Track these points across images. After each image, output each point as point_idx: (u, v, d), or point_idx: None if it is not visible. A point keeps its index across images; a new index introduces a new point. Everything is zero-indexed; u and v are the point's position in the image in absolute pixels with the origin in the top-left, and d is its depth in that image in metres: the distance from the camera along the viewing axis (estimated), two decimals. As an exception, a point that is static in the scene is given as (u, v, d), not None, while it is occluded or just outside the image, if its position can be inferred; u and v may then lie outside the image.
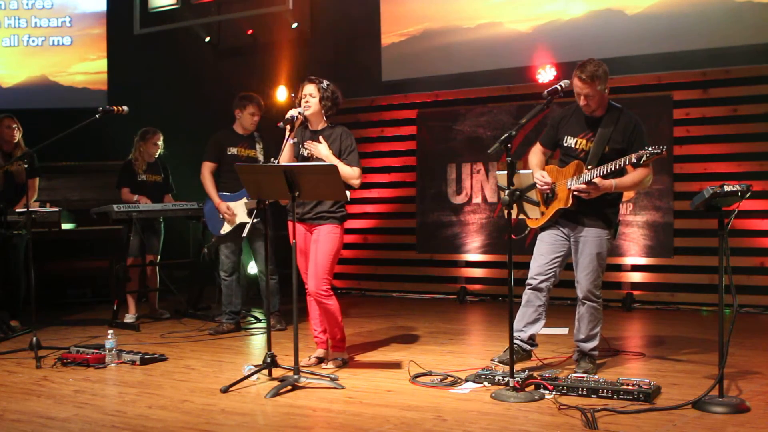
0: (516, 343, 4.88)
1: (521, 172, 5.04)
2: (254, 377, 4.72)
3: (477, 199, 8.44)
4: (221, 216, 6.40)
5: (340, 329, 5.14)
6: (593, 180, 4.56)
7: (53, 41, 10.08)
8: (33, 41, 10.05)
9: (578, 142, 4.76)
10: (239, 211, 6.36)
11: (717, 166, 7.33)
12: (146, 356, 5.30)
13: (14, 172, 6.70)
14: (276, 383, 4.51)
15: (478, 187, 8.44)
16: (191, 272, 7.85)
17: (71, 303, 8.31)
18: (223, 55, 10.21)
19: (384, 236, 9.07)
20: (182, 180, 7.66)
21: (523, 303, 4.96)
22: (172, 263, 8.06)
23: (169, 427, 3.85)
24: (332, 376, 4.68)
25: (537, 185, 4.81)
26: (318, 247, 4.98)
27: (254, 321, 7.01)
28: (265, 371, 4.76)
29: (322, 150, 4.98)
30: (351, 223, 8.79)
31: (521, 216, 5.03)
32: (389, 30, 8.95)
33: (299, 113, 4.99)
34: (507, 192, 4.43)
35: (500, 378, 4.44)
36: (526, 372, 4.47)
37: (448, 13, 8.60)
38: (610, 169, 4.52)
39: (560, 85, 4.59)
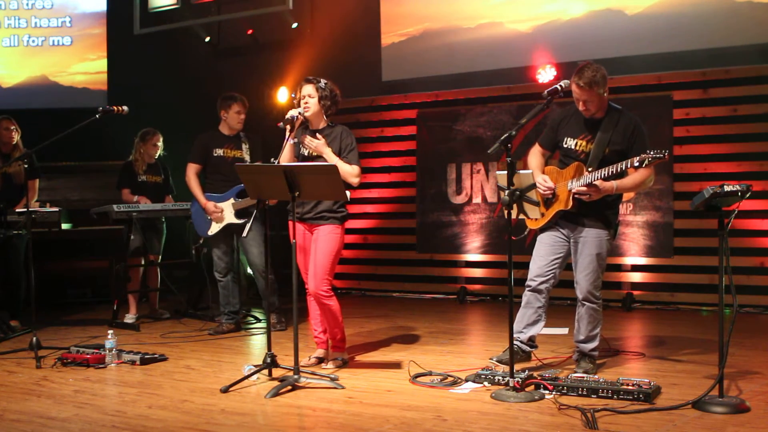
0: (516, 345, 4.88)
1: (521, 172, 5.03)
2: (254, 377, 4.72)
3: (477, 199, 8.44)
4: (208, 217, 6.38)
5: (340, 329, 5.14)
6: (594, 182, 4.56)
7: (53, 41, 10.08)
8: (33, 41, 10.05)
9: (578, 144, 4.76)
10: (226, 212, 6.34)
11: (717, 166, 7.33)
12: (146, 356, 5.30)
13: (13, 173, 6.70)
14: (276, 383, 4.51)
15: (478, 187, 8.44)
16: (191, 272, 7.84)
17: (71, 303, 8.31)
18: (223, 55, 10.21)
19: (384, 236, 9.07)
20: (182, 181, 7.63)
21: (522, 304, 4.96)
22: (172, 263, 8.06)
23: (169, 427, 3.85)
24: (332, 376, 4.68)
25: (539, 191, 4.80)
26: (318, 247, 4.98)
27: (254, 321, 7.01)
28: (265, 371, 4.76)
29: (320, 146, 4.97)
30: (351, 223, 8.78)
31: (521, 216, 5.03)
32: (389, 30, 8.96)
33: (299, 113, 4.99)
34: (507, 192, 4.43)
35: (500, 378, 4.44)
36: (526, 372, 4.47)
37: (448, 13, 8.60)
38: (612, 171, 4.52)
39: (560, 85, 4.59)
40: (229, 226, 6.34)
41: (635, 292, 7.62)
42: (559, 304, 6.99)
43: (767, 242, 7.15)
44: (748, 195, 3.89)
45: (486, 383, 4.48)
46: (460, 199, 8.54)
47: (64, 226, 8.11)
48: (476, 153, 8.34)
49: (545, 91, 4.56)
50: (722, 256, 3.93)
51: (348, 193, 4.75)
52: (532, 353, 5.00)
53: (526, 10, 8.23)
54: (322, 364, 5.12)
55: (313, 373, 4.71)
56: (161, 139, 7.29)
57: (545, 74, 7.99)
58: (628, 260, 7.68)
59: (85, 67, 10.12)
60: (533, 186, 4.91)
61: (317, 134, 5.04)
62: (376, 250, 9.08)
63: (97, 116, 5.55)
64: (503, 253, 7.26)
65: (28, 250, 5.95)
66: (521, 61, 8.16)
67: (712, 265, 5.38)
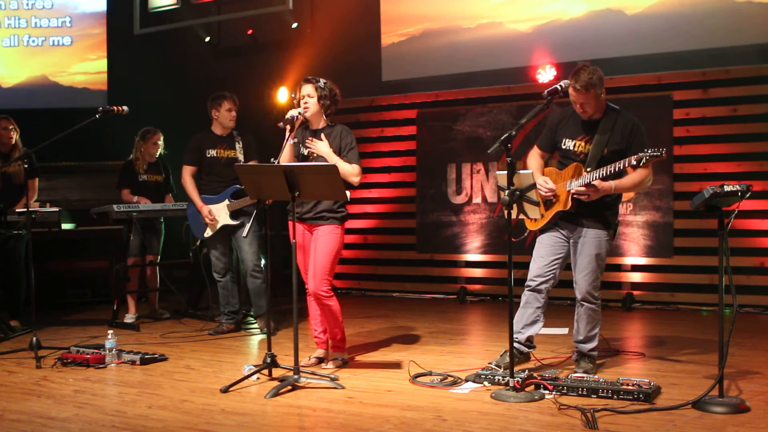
0: (514, 345, 4.87)
1: (521, 172, 5.03)
2: (254, 377, 4.72)
3: (477, 199, 8.44)
4: (203, 219, 6.36)
5: (340, 329, 5.14)
6: (593, 182, 4.56)
7: (53, 41, 10.08)
8: (33, 41, 10.05)
9: (577, 145, 4.75)
10: (221, 213, 6.31)
11: (717, 166, 7.34)
12: (146, 356, 5.30)
13: (12, 173, 6.70)
14: (276, 383, 4.51)
15: (478, 187, 8.44)
16: (191, 272, 7.84)
17: (71, 303, 8.31)
18: (223, 55, 10.21)
19: (384, 236, 9.07)
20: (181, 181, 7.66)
21: (521, 304, 4.95)
22: (172, 263, 8.06)
23: (169, 427, 3.85)
24: (332, 376, 4.68)
25: (540, 193, 4.80)
26: (318, 248, 4.98)
27: (254, 321, 7.00)
28: (265, 371, 4.76)
29: (322, 147, 4.98)
30: (351, 223, 8.78)
31: (521, 216, 5.03)
32: (389, 30, 8.96)
33: (299, 113, 4.99)
34: (507, 192, 4.43)
35: (500, 378, 4.44)
36: (526, 372, 4.47)
37: (448, 13, 8.60)
38: (610, 171, 4.52)
39: (560, 85, 4.58)
40: (225, 227, 6.33)
41: (635, 292, 7.62)
42: (559, 304, 6.99)
43: (767, 242, 7.15)
44: (748, 195, 3.89)
45: (486, 383, 4.48)
46: (460, 199, 8.54)
47: (65, 226, 8.11)
48: (476, 153, 8.34)
49: (545, 91, 4.56)
50: (722, 256, 3.93)
51: (348, 193, 4.75)
52: (530, 354, 5.00)
53: (526, 10, 8.23)
54: (322, 364, 5.12)
55: (313, 373, 4.71)
56: (162, 138, 7.29)
57: (545, 74, 7.99)
58: (628, 260, 7.68)
59: (85, 67, 10.12)
60: (533, 186, 4.91)
61: (321, 135, 5.04)
62: (376, 250, 9.08)
63: (97, 116, 5.55)
64: (503, 253, 7.26)
65: (28, 250, 5.95)
66: (521, 61, 8.16)
67: (712, 265, 5.39)
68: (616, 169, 4.51)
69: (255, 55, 9.89)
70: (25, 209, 5.91)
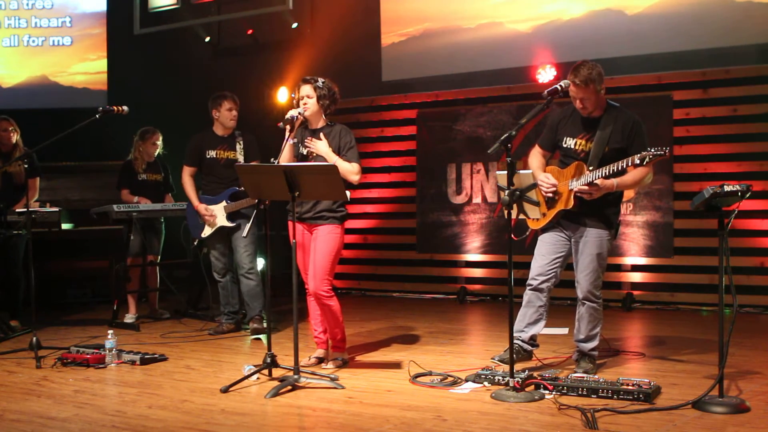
0: (517, 344, 4.88)
1: (521, 172, 5.04)
2: (254, 377, 4.72)
3: (477, 199, 8.44)
4: (201, 220, 6.36)
5: (340, 329, 5.14)
6: (595, 181, 4.56)
7: (53, 41, 10.09)
8: (33, 41, 10.06)
9: (578, 143, 4.76)
10: (218, 215, 6.30)
11: (717, 166, 7.33)
12: (146, 356, 5.30)
13: (13, 172, 6.70)
14: (276, 383, 4.51)
15: (478, 187, 8.44)
16: (191, 272, 7.84)
17: (71, 303, 8.31)
18: (223, 55, 10.21)
19: (384, 236, 9.07)
20: (180, 180, 7.65)
21: (523, 303, 4.96)
22: (172, 263, 8.06)
23: (169, 427, 3.85)
24: (332, 376, 4.68)
25: (542, 189, 4.80)
26: (318, 248, 4.98)
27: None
28: (265, 371, 4.76)
29: (321, 146, 4.98)
30: (351, 223, 8.78)
31: (521, 216, 5.03)
32: (389, 30, 8.96)
33: (299, 113, 4.99)
34: (507, 192, 4.43)
35: (500, 378, 4.44)
36: (526, 372, 4.47)
37: (448, 13, 8.60)
38: (613, 170, 4.52)
39: (560, 85, 4.59)
40: (222, 228, 6.32)
41: (635, 292, 7.62)
42: (559, 304, 6.98)
43: (767, 242, 7.15)
44: (748, 195, 3.89)
45: (486, 383, 4.48)
46: (460, 199, 8.54)
47: (65, 226, 8.11)
48: (476, 153, 8.34)
49: (545, 91, 4.56)
50: (722, 256, 3.93)
51: (348, 193, 4.75)
52: (533, 352, 5.00)
53: (526, 10, 8.23)
54: (322, 364, 5.12)
55: (313, 373, 4.71)
56: (160, 138, 7.29)
57: (545, 74, 7.99)
58: (628, 260, 7.68)
59: (85, 67, 10.12)
60: (533, 186, 4.91)
61: (320, 134, 5.04)
62: (376, 250, 9.08)
63: (97, 116, 5.55)
64: (503, 253, 7.26)
65: (28, 250, 5.95)
66: (521, 61, 8.16)
67: (712, 265, 5.39)
68: (619, 168, 4.51)
69: (255, 55, 9.89)
70: (25, 209, 5.91)
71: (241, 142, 6.40)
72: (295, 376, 4.53)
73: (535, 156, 4.98)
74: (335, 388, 4.51)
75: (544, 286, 4.87)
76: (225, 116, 6.36)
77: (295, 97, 5.11)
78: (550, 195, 4.77)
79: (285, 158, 4.97)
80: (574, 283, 4.81)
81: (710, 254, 6.29)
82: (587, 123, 4.74)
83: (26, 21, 10.04)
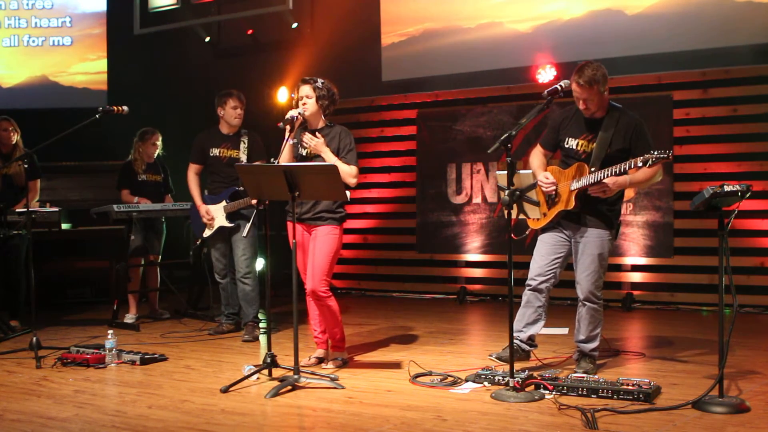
0: (515, 344, 4.88)
1: (521, 172, 5.04)
2: (254, 377, 4.72)
3: (477, 199, 8.44)
4: (202, 220, 6.33)
5: (340, 329, 5.14)
6: (604, 180, 4.55)
7: (53, 41, 10.08)
8: (33, 41, 10.05)
9: (579, 144, 4.75)
10: (218, 215, 6.27)
11: (717, 166, 7.34)
12: (146, 356, 5.30)
13: (13, 173, 6.69)
14: (276, 383, 4.51)
15: (478, 187, 8.44)
16: (191, 272, 7.84)
17: (71, 303, 8.30)
18: (223, 55, 10.21)
19: (384, 236, 9.07)
20: (182, 180, 7.63)
21: (522, 303, 4.96)
22: (172, 263, 8.06)
23: (169, 427, 3.85)
24: (332, 376, 4.68)
25: (542, 188, 4.80)
26: (317, 248, 4.98)
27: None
28: (265, 371, 4.76)
29: (319, 145, 4.97)
30: (351, 223, 8.79)
31: (522, 216, 5.03)
32: (389, 30, 8.96)
33: (299, 114, 4.99)
34: (507, 192, 4.43)
35: (500, 378, 4.44)
36: (526, 372, 4.47)
37: (448, 13, 8.60)
38: (615, 171, 4.52)
39: (560, 85, 4.59)
40: (222, 228, 6.29)
41: (635, 292, 7.62)
42: (559, 304, 6.99)
43: (767, 242, 7.15)
44: (748, 195, 3.89)
45: (486, 383, 4.48)
46: (460, 199, 8.54)
47: (65, 226, 8.11)
48: (476, 153, 8.34)
49: (545, 91, 4.57)
50: (722, 256, 3.93)
51: (348, 193, 4.75)
52: (531, 352, 5.00)
53: (526, 10, 8.23)
54: (322, 364, 5.12)
55: (313, 373, 4.71)
56: (160, 139, 7.29)
57: (545, 74, 7.99)
58: (628, 260, 7.68)
59: (85, 67, 10.11)
60: (533, 186, 4.91)
61: (316, 133, 5.04)
62: (376, 250, 9.08)
63: (97, 116, 5.55)
64: (503, 253, 7.26)
65: (28, 250, 5.95)
66: (521, 61, 8.16)
67: (712, 265, 5.39)
68: (621, 170, 4.51)
69: (255, 55, 9.89)
70: (26, 209, 5.90)
71: (246, 141, 6.34)
72: (295, 376, 4.53)
73: (537, 155, 4.97)
74: (335, 388, 4.51)
75: (543, 286, 4.87)
76: (230, 114, 6.30)
77: (295, 98, 5.11)
78: (551, 194, 4.77)
79: (285, 158, 4.97)
80: (574, 283, 4.81)
81: (710, 254, 6.30)
82: (590, 124, 4.74)
83: (26, 21, 10.03)
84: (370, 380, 4.74)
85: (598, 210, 4.71)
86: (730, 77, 7.37)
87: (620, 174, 4.53)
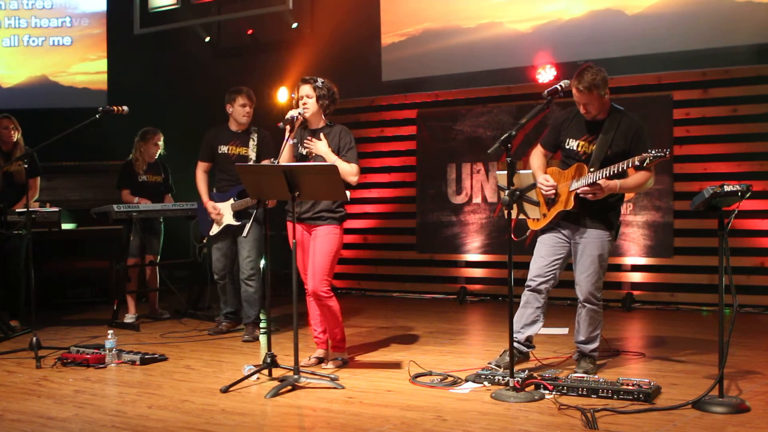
0: (513, 345, 4.88)
1: (521, 172, 5.04)
2: (254, 377, 4.72)
3: (477, 199, 8.44)
4: (210, 217, 6.30)
5: (340, 329, 5.14)
6: (597, 181, 4.55)
7: (53, 41, 10.08)
8: (33, 41, 10.05)
9: (580, 145, 4.75)
10: (225, 213, 6.24)
11: (717, 166, 7.34)
12: (146, 356, 5.30)
13: (14, 172, 6.70)
14: (276, 383, 4.51)
15: (478, 187, 8.44)
16: (192, 272, 7.85)
17: (71, 303, 8.30)
18: (223, 55, 10.21)
19: (384, 236, 9.07)
20: (182, 180, 7.65)
21: (521, 304, 4.95)
22: (172, 263, 8.06)
23: (169, 427, 3.85)
24: (332, 376, 4.68)
25: (542, 190, 4.80)
26: (317, 248, 4.98)
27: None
28: (265, 371, 4.76)
29: (321, 146, 4.98)
30: (351, 223, 8.79)
31: (522, 216, 5.02)
32: (389, 30, 8.95)
33: (299, 114, 4.99)
34: (507, 192, 4.43)
35: (500, 378, 4.44)
36: (526, 372, 4.47)
37: (448, 13, 8.60)
38: (613, 171, 4.52)
39: (560, 85, 4.59)
40: (228, 226, 6.27)
41: (635, 292, 7.62)
42: (559, 304, 6.99)
43: (767, 242, 7.15)
44: (748, 195, 3.89)
45: (486, 383, 4.48)
46: (460, 199, 8.54)
47: (66, 226, 8.11)
48: (476, 153, 8.34)
49: (545, 91, 4.57)
50: (722, 256, 3.93)
51: (348, 193, 4.74)
52: (530, 353, 4.99)
53: (526, 10, 8.23)
54: (322, 364, 5.12)
55: (313, 373, 4.72)
56: (162, 139, 7.28)
57: (545, 74, 7.99)
58: (628, 260, 7.68)
59: (85, 67, 10.11)
60: (533, 186, 4.91)
61: (320, 134, 5.04)
62: (376, 250, 9.08)
63: (97, 116, 5.54)
64: (503, 253, 7.25)
65: (28, 250, 5.95)
66: (521, 61, 8.16)
67: (712, 265, 5.39)
68: (620, 170, 4.51)
69: (255, 55, 9.89)
70: (25, 209, 5.90)
71: (255, 139, 6.28)
72: (295, 376, 4.53)
73: (537, 155, 4.97)
74: (335, 388, 4.51)
75: (542, 287, 4.87)
76: (238, 112, 6.24)
77: (295, 97, 5.11)
78: (551, 195, 4.77)
79: (285, 158, 4.97)
80: (573, 284, 4.81)
81: (710, 254, 6.29)
82: (590, 125, 4.73)
83: (26, 21, 10.03)
84: (370, 380, 4.74)
85: (597, 211, 4.70)
86: (730, 77, 7.37)
87: (618, 173, 4.53)
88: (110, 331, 5.38)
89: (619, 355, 5.36)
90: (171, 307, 7.53)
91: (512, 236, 4.35)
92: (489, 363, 4.93)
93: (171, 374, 5.02)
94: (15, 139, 6.81)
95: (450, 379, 4.61)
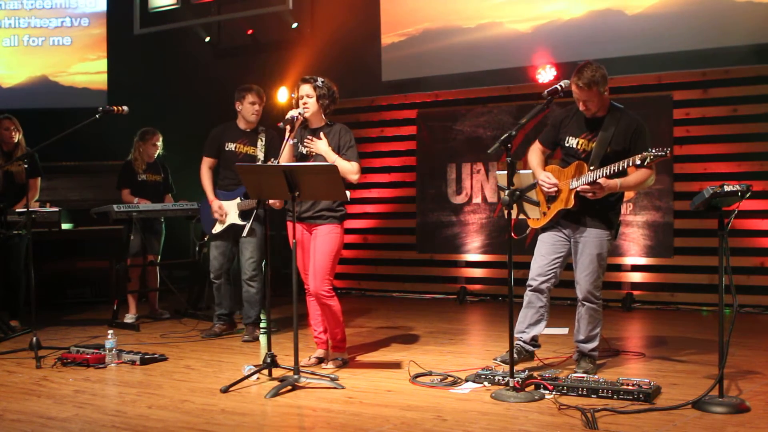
0: (519, 344, 4.89)
1: (521, 172, 5.03)
2: (254, 377, 4.72)
3: (477, 199, 8.44)
4: (213, 215, 6.24)
5: (340, 329, 5.14)
6: (597, 180, 4.56)
7: (53, 41, 10.08)
8: (33, 41, 10.05)
9: (579, 143, 4.76)
10: (231, 211, 6.19)
11: (717, 166, 7.34)
12: (146, 356, 5.30)
13: (15, 172, 6.70)
14: (276, 383, 4.51)
15: (478, 187, 8.44)
16: (191, 272, 7.84)
17: (71, 303, 8.30)
18: (223, 55, 10.21)
19: (384, 236, 9.07)
20: (182, 180, 7.66)
21: (524, 304, 4.96)
22: (172, 263, 8.06)
23: (169, 427, 3.85)
24: (332, 376, 4.68)
25: (543, 188, 4.80)
26: (318, 247, 4.98)
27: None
28: (265, 371, 4.76)
29: (321, 146, 4.97)
30: (351, 223, 8.79)
31: (522, 216, 5.03)
32: (389, 30, 8.96)
33: (299, 113, 4.99)
34: (507, 192, 4.43)
35: (500, 378, 4.44)
36: (526, 372, 4.47)
37: (448, 13, 8.60)
38: (613, 170, 4.52)
39: (560, 85, 4.59)
40: (233, 226, 6.20)
41: (635, 292, 7.62)
42: (560, 304, 6.98)
43: (767, 242, 7.15)
44: (748, 195, 3.89)
45: (486, 383, 4.48)
46: (460, 199, 8.54)
47: (65, 226, 8.11)
48: (476, 153, 8.34)
49: (545, 91, 4.57)
50: (722, 256, 3.93)
51: (348, 193, 4.74)
52: (534, 352, 5.00)
53: (526, 10, 8.23)
54: (322, 364, 5.12)
55: (313, 373, 4.71)
56: (161, 139, 7.28)
57: (545, 74, 8.00)
58: (628, 260, 7.68)
59: (85, 67, 10.12)
60: (533, 186, 4.91)
61: (320, 134, 5.04)
62: (376, 250, 9.08)
63: (97, 116, 5.54)
64: (503, 253, 7.25)
65: (28, 250, 5.94)
66: (521, 61, 8.16)
67: (712, 265, 5.39)
68: (620, 168, 4.51)
69: (255, 55, 9.89)
70: (26, 209, 5.90)
71: (263, 139, 6.23)
72: (295, 376, 4.53)
73: (535, 153, 4.97)
74: (335, 388, 4.51)
75: (544, 286, 4.87)
76: (247, 110, 6.18)
77: (295, 97, 5.11)
78: (553, 193, 4.77)
79: (285, 158, 4.97)
80: (573, 283, 4.81)
81: (710, 254, 6.29)
82: (590, 123, 4.74)
83: (26, 21, 10.03)
84: (370, 380, 4.74)
85: (598, 210, 4.70)
86: (730, 77, 7.37)
87: (619, 172, 4.53)
88: (110, 331, 5.38)
89: (619, 355, 5.36)
90: (171, 307, 7.53)
91: (512, 234, 4.35)
92: (494, 359, 4.95)
93: (171, 374, 5.02)
94: (16, 140, 6.81)
95: (450, 379, 4.61)
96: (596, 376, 4.40)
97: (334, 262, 5.00)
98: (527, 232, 5.03)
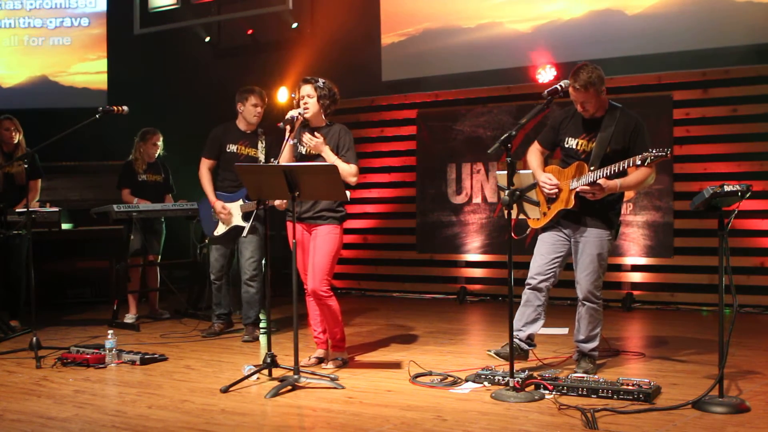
0: (514, 342, 4.88)
1: (521, 172, 5.03)
2: (254, 377, 4.72)
3: (477, 199, 8.44)
4: (215, 217, 6.23)
5: (340, 329, 5.14)
6: (597, 181, 4.56)
7: (53, 41, 10.09)
8: (33, 41, 10.06)
9: (579, 143, 4.76)
10: (234, 213, 6.18)
11: (717, 166, 7.34)
12: (146, 356, 5.30)
13: (15, 173, 6.70)
14: (276, 383, 4.51)
15: (478, 187, 8.44)
16: (192, 272, 7.84)
17: (71, 303, 8.30)
18: (223, 55, 10.22)
19: (384, 236, 9.07)
20: (182, 180, 7.66)
21: (522, 303, 4.96)
22: (172, 263, 8.06)
23: (169, 427, 3.85)
24: (332, 376, 4.68)
25: (544, 190, 4.80)
26: (317, 248, 4.98)
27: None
28: (265, 371, 4.76)
29: (318, 143, 4.96)
30: (351, 223, 8.79)
31: (522, 216, 5.03)
32: (389, 30, 8.96)
33: (299, 114, 4.98)
34: (507, 192, 4.43)
35: (500, 378, 4.44)
36: (526, 372, 4.47)
37: (448, 13, 8.60)
38: (613, 170, 4.52)
39: (560, 85, 4.59)
40: (236, 228, 6.17)
41: (635, 292, 7.62)
42: (559, 304, 6.99)
43: (767, 242, 7.15)
44: (748, 195, 3.89)
45: (486, 383, 4.48)
46: (460, 199, 8.54)
47: (64, 226, 8.11)
48: (476, 153, 8.35)
49: (545, 91, 4.57)
50: (722, 256, 3.93)
51: (348, 193, 4.74)
52: (530, 351, 5.00)
53: (526, 10, 8.23)
54: (322, 364, 5.12)
55: (313, 373, 4.71)
56: (161, 139, 7.28)
57: (545, 74, 8.00)
58: (628, 260, 7.68)
59: (85, 67, 10.12)
60: (533, 186, 4.91)
61: (316, 132, 5.04)
62: (376, 250, 9.08)
63: (97, 116, 5.54)
64: (503, 253, 7.26)
65: (28, 250, 5.94)
66: (521, 61, 8.16)
67: (712, 265, 5.39)
68: (620, 168, 4.52)
69: (255, 55, 9.89)
70: (26, 209, 5.90)
71: (264, 141, 6.22)
72: (295, 376, 4.53)
73: (534, 153, 4.97)
74: (335, 388, 4.51)
75: (542, 285, 4.87)
76: (249, 111, 6.16)
77: (296, 97, 5.10)
78: (554, 195, 4.77)
79: (285, 158, 4.97)
80: (574, 283, 4.81)
81: (710, 254, 6.29)
82: (589, 123, 4.74)
83: (26, 21, 10.04)
84: (370, 380, 4.74)
85: (598, 210, 4.71)
86: (730, 77, 7.37)
87: (619, 172, 4.53)
88: (110, 331, 5.38)
89: (619, 355, 5.36)
90: (171, 307, 7.53)
91: (512, 234, 4.35)
92: (489, 351, 4.94)
93: (171, 374, 5.02)
94: (16, 141, 6.81)
95: (450, 379, 4.61)
96: (596, 376, 4.40)
97: (333, 262, 5.00)
98: (527, 232, 5.03)
